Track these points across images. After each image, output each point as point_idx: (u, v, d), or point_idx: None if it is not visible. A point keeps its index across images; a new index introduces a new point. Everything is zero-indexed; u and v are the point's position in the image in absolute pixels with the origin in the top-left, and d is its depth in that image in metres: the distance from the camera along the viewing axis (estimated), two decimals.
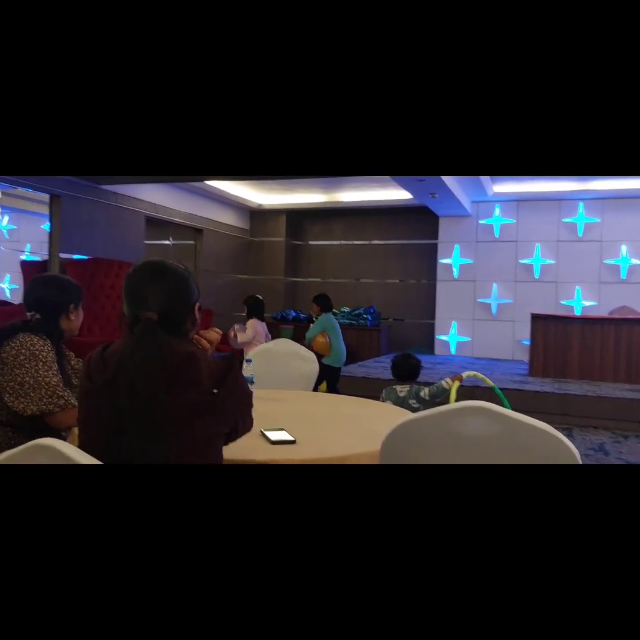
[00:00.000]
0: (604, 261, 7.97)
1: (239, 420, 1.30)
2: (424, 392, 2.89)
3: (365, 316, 8.74)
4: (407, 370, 3.05)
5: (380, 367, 6.67)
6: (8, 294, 8.29)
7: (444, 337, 8.70)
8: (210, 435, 1.22)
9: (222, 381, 1.20)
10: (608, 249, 7.96)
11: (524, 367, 6.86)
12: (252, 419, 1.37)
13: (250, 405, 1.35)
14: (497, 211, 8.46)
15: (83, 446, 1.16)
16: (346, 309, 8.95)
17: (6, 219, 8.50)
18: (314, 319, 5.26)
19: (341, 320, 8.74)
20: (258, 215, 9.67)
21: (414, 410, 2.77)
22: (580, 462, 1.20)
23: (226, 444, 1.37)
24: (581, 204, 8.07)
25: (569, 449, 1.20)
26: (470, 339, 8.59)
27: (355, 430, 1.86)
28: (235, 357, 1.31)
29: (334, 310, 8.91)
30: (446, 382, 2.87)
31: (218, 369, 1.21)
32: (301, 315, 9.12)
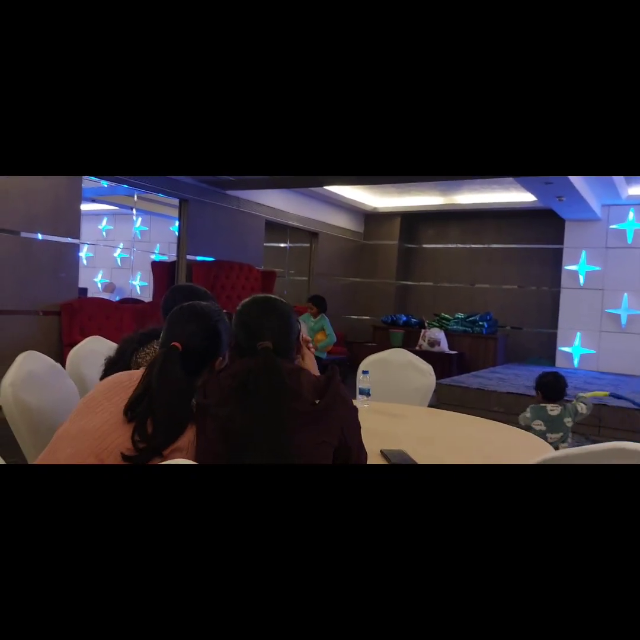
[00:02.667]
0: None
1: (346, 433, 1.33)
2: (581, 406, 2.98)
3: (480, 323, 8.39)
4: (559, 391, 3.06)
5: (496, 378, 6.39)
6: (139, 291, 8.96)
7: (566, 349, 8.16)
8: (317, 445, 1.27)
9: (323, 393, 1.30)
10: None
11: None
12: (362, 442, 1.42)
13: (356, 419, 1.39)
14: (631, 215, 7.80)
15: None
16: (461, 315, 8.65)
17: (140, 220, 9.19)
18: (312, 318, 5.53)
19: (455, 327, 8.49)
20: (372, 218, 9.66)
21: (568, 429, 2.95)
22: None
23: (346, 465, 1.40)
24: None
25: None
26: (595, 352, 8.00)
27: (478, 453, 1.78)
28: (335, 370, 1.39)
29: (447, 315, 8.73)
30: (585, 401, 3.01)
31: (319, 383, 1.33)
32: (412, 319, 8.97)
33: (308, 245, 8.78)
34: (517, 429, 2.06)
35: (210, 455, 1.26)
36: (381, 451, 1.68)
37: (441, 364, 7.82)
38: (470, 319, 8.53)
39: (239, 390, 1.28)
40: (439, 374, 6.87)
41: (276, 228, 8.25)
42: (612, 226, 7.93)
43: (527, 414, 3.03)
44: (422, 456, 1.65)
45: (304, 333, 1.59)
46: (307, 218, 8.44)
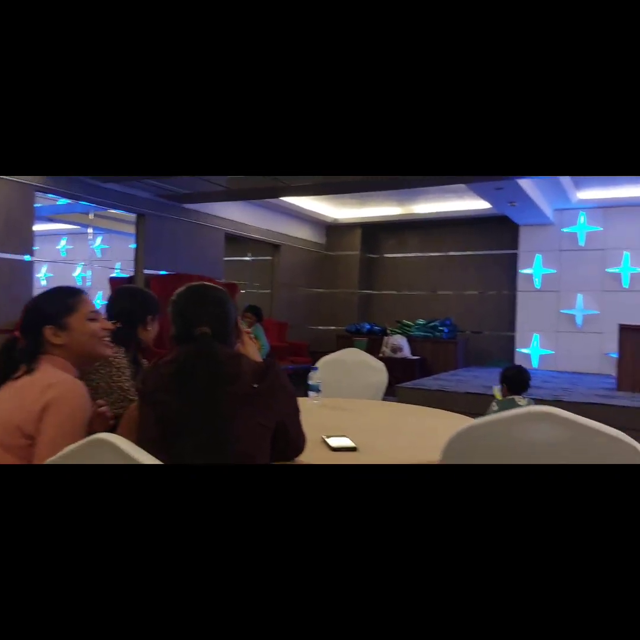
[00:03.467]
0: None
1: (285, 417, 1.37)
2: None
3: (441, 328, 8.55)
4: (523, 382, 3.15)
5: (455, 380, 6.50)
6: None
7: (525, 350, 8.35)
8: (255, 427, 1.30)
9: (263, 377, 1.32)
10: None
11: (611, 381, 6.44)
12: (301, 428, 1.45)
13: (295, 404, 1.43)
14: (581, 219, 8.07)
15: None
16: (422, 322, 8.80)
17: (99, 239, 9.10)
18: (249, 327, 5.62)
19: (416, 333, 8.63)
20: (334, 230, 9.76)
21: None
22: None
23: (284, 454, 1.42)
24: None
25: None
26: (553, 352, 8.20)
27: (420, 438, 1.82)
28: (274, 358, 1.47)
29: (408, 322, 8.86)
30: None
31: (259, 367, 1.36)
32: (375, 327, 9.07)
33: (270, 257, 8.82)
34: (459, 415, 2.11)
35: (147, 440, 1.26)
36: (322, 438, 1.71)
37: (404, 369, 7.92)
38: (431, 324, 8.68)
39: (177, 376, 1.30)
40: (402, 379, 6.97)
41: (238, 241, 8.27)
42: (564, 229, 8.19)
43: (494, 407, 3.05)
44: (364, 442, 1.68)
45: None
46: (268, 230, 8.48)
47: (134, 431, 1.34)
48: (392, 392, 5.70)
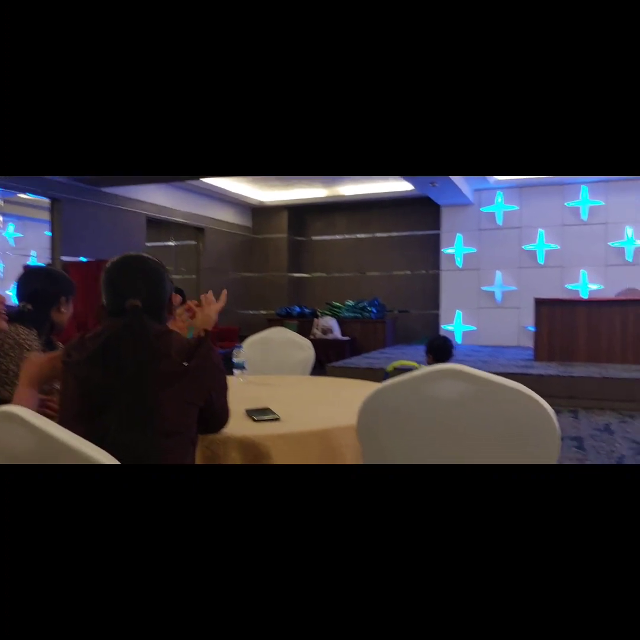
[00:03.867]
0: (610, 244, 7.90)
1: (213, 394, 1.36)
2: None
3: (369, 309, 8.72)
4: (448, 352, 3.27)
5: (384, 357, 6.66)
6: (15, 301, 8.38)
7: (449, 327, 8.65)
8: (183, 405, 1.28)
9: (193, 355, 1.29)
10: (613, 231, 7.89)
11: (530, 353, 6.81)
12: (227, 403, 1.44)
13: (224, 381, 1.41)
14: (499, 198, 8.41)
15: (61, 422, 1.19)
16: (351, 303, 8.93)
17: (12, 227, 8.59)
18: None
19: (346, 314, 8.75)
20: (260, 212, 9.68)
21: None
22: (555, 421, 1.19)
23: (208, 427, 1.43)
24: (584, 187, 8.00)
25: (543, 408, 1.19)
26: (475, 328, 8.55)
27: (341, 406, 1.86)
28: (207, 334, 1.41)
29: (338, 303, 8.97)
30: None
31: (189, 345, 1.32)
32: (306, 310, 9.12)
33: (194, 242, 8.65)
34: (377, 383, 2.17)
35: (70, 414, 1.24)
36: (245, 410, 1.71)
37: (335, 350, 8.03)
38: (360, 305, 8.83)
39: (103, 350, 1.25)
40: (334, 360, 7.05)
41: (160, 225, 8.05)
42: (483, 209, 8.51)
43: None
44: (287, 413, 1.70)
45: None
46: (192, 214, 8.31)
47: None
48: (323, 373, 5.77)
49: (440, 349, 3.29)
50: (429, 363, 3.29)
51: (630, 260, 7.79)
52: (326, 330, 8.34)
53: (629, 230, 7.78)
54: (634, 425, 4.53)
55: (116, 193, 7.04)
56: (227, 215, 9.13)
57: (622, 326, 6.22)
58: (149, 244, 7.66)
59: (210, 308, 1.95)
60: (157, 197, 7.67)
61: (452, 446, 1.26)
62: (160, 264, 1.41)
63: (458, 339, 8.58)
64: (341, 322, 8.65)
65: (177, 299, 6.15)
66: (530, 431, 1.19)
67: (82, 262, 6.51)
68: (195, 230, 8.56)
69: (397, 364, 3.43)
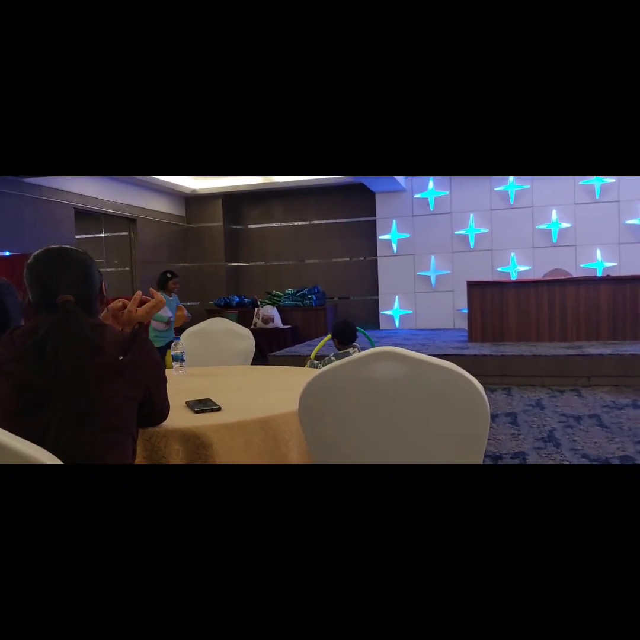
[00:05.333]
0: (536, 226, 8.24)
1: (152, 388, 1.35)
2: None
3: (310, 296, 8.76)
4: (350, 334, 3.42)
5: (326, 344, 6.71)
6: None
7: (388, 312, 8.82)
8: (121, 400, 1.27)
9: (129, 349, 1.28)
10: (539, 214, 8.23)
11: (465, 334, 7.05)
12: (166, 396, 1.43)
13: (162, 374, 1.40)
14: (430, 184, 8.60)
15: None
16: (291, 291, 8.94)
17: None
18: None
19: (286, 303, 8.75)
20: (194, 201, 9.50)
21: None
22: (485, 397, 1.25)
23: (148, 421, 1.42)
24: None
25: (473, 385, 1.24)
26: (413, 312, 8.75)
27: (282, 393, 1.87)
28: (142, 328, 1.43)
29: (278, 292, 8.96)
30: None
31: (124, 339, 1.31)
32: (245, 300, 9.06)
33: (126, 233, 8.39)
34: (317, 369, 2.20)
35: (6, 414, 1.20)
36: (186, 402, 1.70)
37: (277, 339, 8.03)
38: (300, 293, 8.85)
39: (36, 347, 1.21)
40: (276, 349, 7.03)
41: (89, 216, 7.75)
42: (416, 195, 8.68)
43: (332, 357, 3.37)
44: (228, 402, 1.69)
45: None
46: (122, 204, 8.04)
47: None
48: (265, 362, 5.76)
49: (343, 332, 3.44)
50: (337, 346, 3.45)
51: (556, 241, 8.17)
52: (267, 320, 8.31)
53: (554, 213, 8.15)
54: (562, 400, 4.78)
55: (40, 183, 6.72)
56: (159, 205, 8.90)
57: (550, 305, 6.53)
58: (78, 236, 7.38)
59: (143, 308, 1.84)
60: (85, 187, 7.38)
61: (391, 425, 1.29)
62: (86, 255, 1.38)
63: (397, 324, 8.76)
64: (282, 310, 8.64)
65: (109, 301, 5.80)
66: (462, 406, 1.24)
67: (6, 257, 6.20)
68: (127, 221, 8.30)
69: (317, 349, 3.56)
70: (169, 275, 4.95)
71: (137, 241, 8.39)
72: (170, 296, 4.89)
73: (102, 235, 8.25)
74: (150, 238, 8.66)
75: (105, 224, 8.19)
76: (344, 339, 3.42)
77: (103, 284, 1.42)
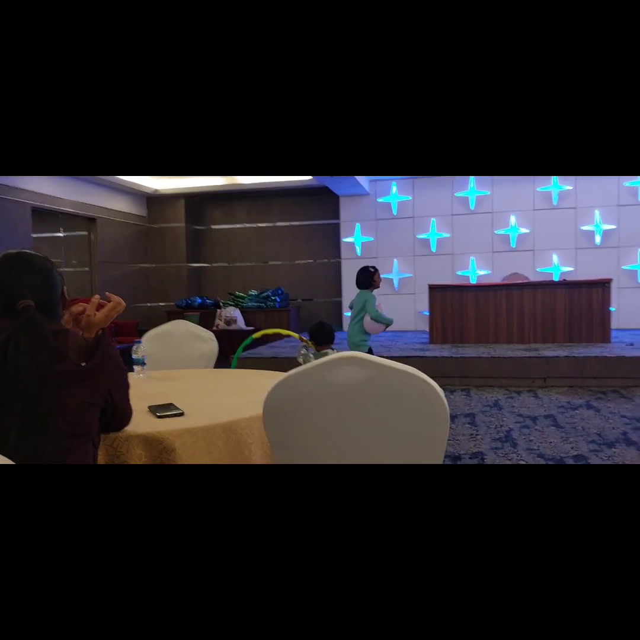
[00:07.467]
0: (495, 231, 8.44)
1: (114, 393, 1.34)
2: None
3: (273, 298, 8.75)
4: (327, 335, 3.42)
5: (289, 346, 6.72)
6: None
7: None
8: (83, 405, 1.26)
9: (91, 354, 1.28)
10: (498, 219, 8.43)
11: (426, 336, 7.16)
12: (129, 401, 1.43)
13: (124, 380, 1.40)
14: (394, 189, 8.71)
15: None
16: (254, 292, 8.92)
17: None
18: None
19: (249, 304, 8.72)
20: (155, 201, 9.37)
21: None
22: (445, 401, 1.29)
23: (110, 426, 1.41)
24: (472, 178, 8.46)
25: (433, 389, 1.28)
26: None
27: (246, 397, 1.88)
28: (105, 333, 1.40)
29: (241, 293, 8.92)
30: None
31: (87, 344, 1.31)
32: (208, 301, 8.98)
33: (86, 232, 8.21)
34: (281, 372, 2.21)
35: None
36: (148, 407, 1.68)
37: (240, 340, 7.97)
38: (263, 295, 8.84)
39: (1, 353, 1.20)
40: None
41: (47, 216, 7.56)
42: (379, 200, 8.77)
43: (311, 355, 3.38)
44: (191, 406, 1.69)
45: None
46: (82, 203, 7.87)
47: None
48: (228, 365, 5.73)
49: (319, 332, 3.46)
50: (317, 349, 3.45)
51: (514, 246, 8.38)
52: (230, 321, 8.26)
53: (512, 218, 8.35)
54: (519, 400, 4.91)
55: None
56: (120, 205, 8.75)
57: (508, 308, 6.70)
58: (35, 235, 7.18)
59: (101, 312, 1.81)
60: (42, 185, 7.19)
61: (353, 428, 1.32)
62: (46, 259, 1.37)
63: None
64: (245, 312, 8.61)
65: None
66: (422, 410, 1.28)
67: None
68: (86, 221, 8.12)
69: (270, 331, 3.55)
70: (372, 269, 4.85)
71: (96, 241, 8.23)
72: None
73: (61, 234, 8.05)
74: (111, 238, 8.50)
75: (63, 223, 8.00)
76: (321, 339, 3.41)
77: (64, 288, 1.41)
